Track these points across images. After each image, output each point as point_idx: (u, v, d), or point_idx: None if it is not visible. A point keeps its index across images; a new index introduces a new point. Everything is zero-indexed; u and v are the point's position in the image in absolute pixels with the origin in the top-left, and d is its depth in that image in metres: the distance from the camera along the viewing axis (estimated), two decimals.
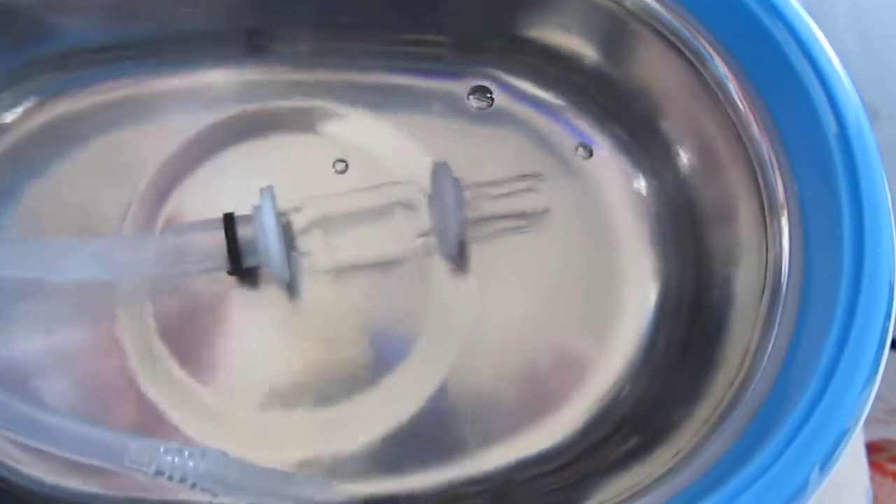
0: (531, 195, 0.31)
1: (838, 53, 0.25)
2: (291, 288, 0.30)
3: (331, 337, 0.30)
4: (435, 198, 0.30)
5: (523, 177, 0.31)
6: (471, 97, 0.33)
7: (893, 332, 0.23)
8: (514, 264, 0.31)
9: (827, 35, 0.25)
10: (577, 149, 0.32)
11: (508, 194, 0.30)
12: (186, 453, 0.25)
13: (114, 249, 0.28)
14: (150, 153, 0.32)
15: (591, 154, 0.32)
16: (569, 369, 0.30)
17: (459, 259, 0.31)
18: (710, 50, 0.28)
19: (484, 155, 0.32)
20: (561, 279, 0.31)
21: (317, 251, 0.29)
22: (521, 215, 0.31)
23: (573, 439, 0.29)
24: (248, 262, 0.28)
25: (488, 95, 0.33)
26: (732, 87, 0.27)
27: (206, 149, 0.32)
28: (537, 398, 0.30)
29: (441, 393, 0.29)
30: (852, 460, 0.32)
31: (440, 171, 0.29)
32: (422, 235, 0.30)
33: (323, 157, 0.32)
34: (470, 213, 0.30)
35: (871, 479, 0.35)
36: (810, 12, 0.25)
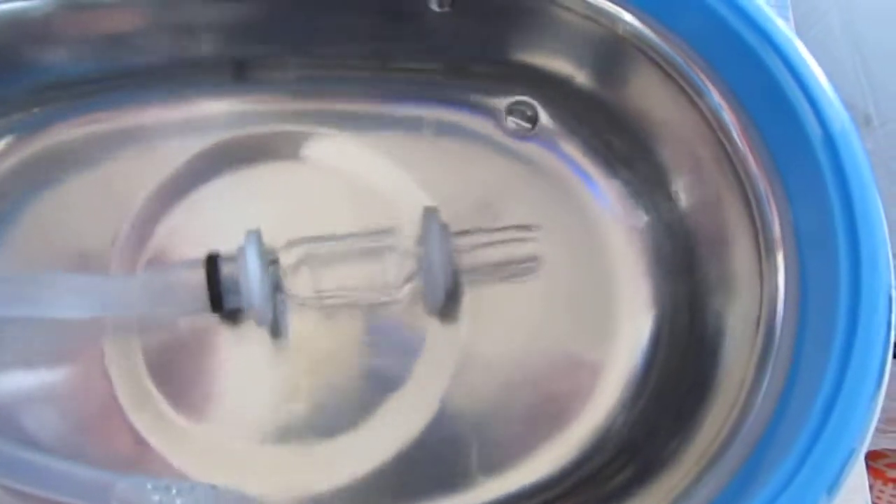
0: (523, 244, 0.31)
1: (832, 63, 0.25)
2: (278, 324, 0.30)
3: (320, 371, 0.30)
4: (423, 247, 0.29)
5: (516, 227, 0.31)
6: (509, 118, 0.33)
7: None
8: (508, 291, 0.31)
9: (821, 45, 0.25)
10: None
11: (499, 242, 0.30)
12: (174, 490, 0.25)
13: (98, 289, 0.28)
14: (138, 183, 0.31)
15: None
16: (563, 398, 0.30)
17: (448, 301, 0.30)
18: (705, 79, 0.27)
19: (473, 180, 0.32)
20: (555, 307, 0.31)
21: (303, 292, 0.29)
22: (510, 263, 0.31)
23: (569, 469, 0.29)
24: (231, 304, 0.28)
25: (528, 115, 0.33)
26: (728, 117, 0.27)
27: (195, 177, 0.32)
28: (532, 428, 0.29)
29: (435, 424, 0.29)
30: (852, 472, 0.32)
31: (429, 219, 0.29)
32: (409, 281, 0.30)
33: (312, 184, 0.32)
34: (459, 261, 0.29)
35: (871, 486, 0.35)
36: (804, 24, 0.25)
